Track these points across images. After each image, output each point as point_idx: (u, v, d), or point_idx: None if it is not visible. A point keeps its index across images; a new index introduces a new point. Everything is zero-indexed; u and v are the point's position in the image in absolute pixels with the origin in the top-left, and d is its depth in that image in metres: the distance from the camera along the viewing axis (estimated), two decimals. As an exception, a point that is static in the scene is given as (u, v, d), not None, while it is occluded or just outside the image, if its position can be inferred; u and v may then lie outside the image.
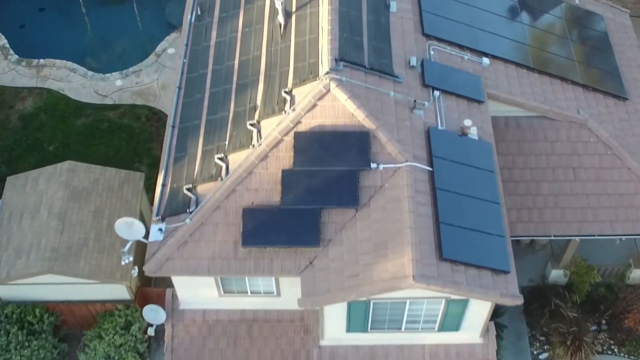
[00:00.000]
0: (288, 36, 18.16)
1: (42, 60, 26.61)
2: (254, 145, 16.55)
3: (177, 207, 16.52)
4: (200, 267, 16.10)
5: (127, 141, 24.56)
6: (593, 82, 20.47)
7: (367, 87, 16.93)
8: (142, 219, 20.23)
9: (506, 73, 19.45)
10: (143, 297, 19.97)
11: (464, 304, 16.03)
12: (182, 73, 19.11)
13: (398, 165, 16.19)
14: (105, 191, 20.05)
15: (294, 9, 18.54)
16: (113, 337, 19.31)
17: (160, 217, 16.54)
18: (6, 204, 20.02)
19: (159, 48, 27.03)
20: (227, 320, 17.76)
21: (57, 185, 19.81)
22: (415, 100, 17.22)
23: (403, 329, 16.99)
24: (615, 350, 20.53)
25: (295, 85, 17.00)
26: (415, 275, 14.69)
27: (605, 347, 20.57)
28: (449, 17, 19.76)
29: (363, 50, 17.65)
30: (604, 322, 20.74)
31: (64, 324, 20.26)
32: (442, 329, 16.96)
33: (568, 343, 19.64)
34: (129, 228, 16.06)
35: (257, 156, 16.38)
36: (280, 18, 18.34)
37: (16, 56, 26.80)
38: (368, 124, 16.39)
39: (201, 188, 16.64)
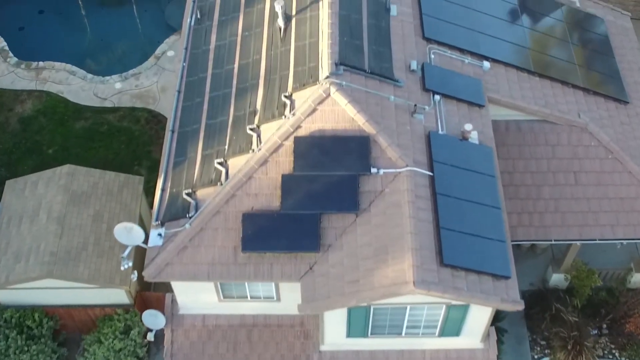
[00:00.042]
0: (288, 40, 18.09)
1: (41, 63, 26.55)
2: (253, 150, 16.48)
3: (176, 212, 16.45)
4: (200, 273, 16.03)
5: (127, 144, 24.50)
6: (594, 86, 20.41)
7: (367, 91, 16.87)
8: (141, 223, 20.18)
9: (507, 77, 19.39)
10: (142, 301, 19.91)
11: (465, 309, 15.96)
12: (182, 77, 19.03)
13: (398, 170, 16.13)
14: (105, 195, 19.99)
15: (293, 12, 18.47)
16: (112, 342, 19.26)
17: (159, 222, 16.47)
18: (5, 208, 19.95)
19: (158, 51, 26.98)
20: (226, 325, 17.70)
21: (56, 189, 19.75)
22: (415, 105, 17.16)
23: (403, 334, 16.93)
24: (617, 354, 20.47)
25: (295, 89, 16.94)
26: (416, 281, 14.62)
27: (606, 352, 20.51)
28: (449, 21, 19.69)
29: (363, 54, 17.58)
30: (604, 326, 20.69)
31: (63, 329, 20.22)
32: (442, 334, 16.90)
33: (569, 347, 19.58)
34: (128, 233, 15.98)
35: (257, 161, 16.32)
36: (280, 22, 18.26)
37: (15, 59, 26.76)
38: (368, 128, 16.33)
39: (201, 193, 16.57)
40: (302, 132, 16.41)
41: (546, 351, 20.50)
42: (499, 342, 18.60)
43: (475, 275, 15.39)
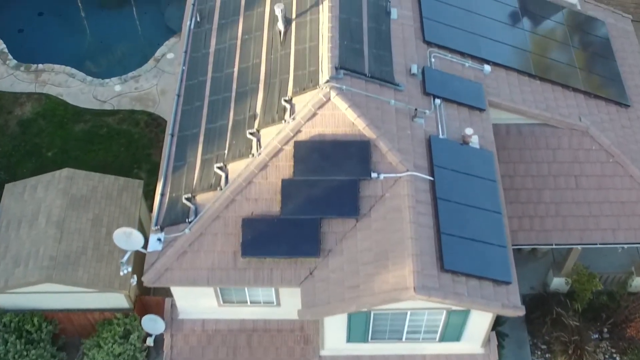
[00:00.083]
0: (288, 44, 18.02)
1: (40, 65, 26.48)
2: (253, 155, 16.42)
3: (176, 216, 16.40)
4: (200, 278, 15.97)
5: (126, 147, 24.44)
6: (595, 89, 20.35)
7: (367, 95, 16.81)
8: (140, 227, 20.13)
9: (508, 80, 19.33)
10: (142, 305, 19.85)
11: (465, 314, 15.90)
12: (181, 80, 18.98)
13: (399, 174, 16.07)
14: (104, 199, 19.92)
15: (293, 16, 18.40)
16: (112, 346, 19.19)
17: (159, 227, 16.41)
18: (4, 212, 19.89)
19: (158, 53, 26.90)
20: (226, 330, 17.64)
21: (55, 193, 19.68)
22: (416, 109, 17.09)
23: (404, 339, 16.86)
24: (617, 359, 20.40)
25: (295, 93, 16.87)
26: (417, 287, 14.56)
27: (607, 356, 20.45)
28: (450, 24, 19.63)
29: (363, 58, 17.51)
30: (605, 330, 20.62)
31: (63, 333, 20.15)
32: (443, 339, 16.83)
33: (570, 352, 19.53)
34: (128, 238, 15.93)
35: (257, 165, 16.25)
36: (280, 25, 18.20)
37: (15, 61, 26.69)
38: (368, 133, 16.26)
39: (200, 197, 16.51)
40: (302, 137, 16.35)
41: (547, 355, 20.42)
42: (500, 346, 18.54)
43: (476, 280, 15.33)
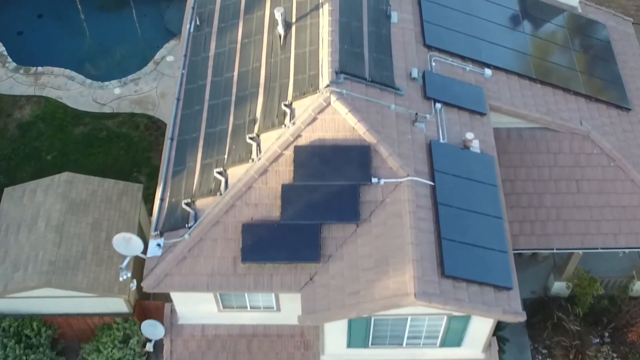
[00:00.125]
0: (288, 47, 17.95)
1: (40, 68, 26.44)
2: (253, 159, 16.35)
3: (175, 222, 16.32)
4: (199, 283, 15.91)
5: (126, 150, 24.38)
6: (596, 93, 20.28)
7: (367, 100, 16.74)
8: (140, 231, 20.08)
9: (508, 84, 19.27)
10: (142, 310, 19.80)
11: (466, 320, 15.84)
12: (181, 84, 18.89)
13: (399, 179, 16.00)
14: (104, 203, 19.86)
15: (293, 19, 18.33)
16: (111, 351, 19.14)
17: (158, 232, 16.34)
18: (3, 216, 19.83)
19: (157, 56, 26.85)
20: (226, 335, 17.56)
21: (54, 197, 19.62)
22: (416, 113, 17.03)
23: (404, 344, 16.80)
24: (618, 363, 20.39)
25: (295, 98, 16.80)
26: (417, 293, 14.49)
27: (608, 360, 20.44)
28: (450, 28, 19.56)
29: (364, 62, 17.45)
30: (606, 334, 20.56)
31: (62, 337, 20.11)
32: (443, 344, 16.77)
33: (571, 357, 19.51)
34: (127, 243, 15.85)
35: (257, 170, 16.18)
36: (280, 29, 18.12)
37: (14, 64, 26.65)
38: (369, 137, 16.19)
39: (200, 203, 16.44)
40: (302, 142, 16.28)
41: (548, 360, 20.42)
42: (501, 351, 18.48)
43: (476, 286, 15.27)
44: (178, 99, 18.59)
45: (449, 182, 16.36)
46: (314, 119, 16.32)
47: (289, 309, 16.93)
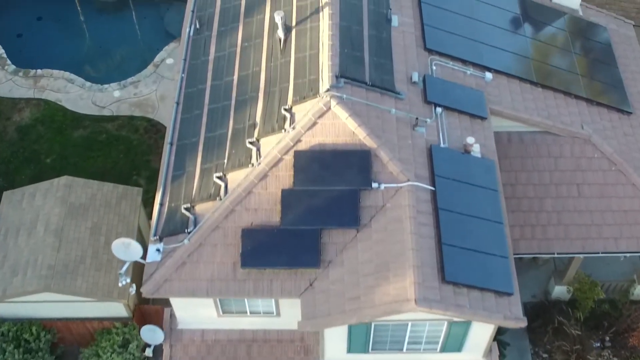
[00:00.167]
0: (288, 51, 17.89)
1: (39, 71, 26.35)
2: (253, 164, 16.28)
3: (175, 227, 16.26)
4: (199, 289, 15.84)
5: (125, 153, 24.31)
6: (597, 96, 20.22)
7: (368, 104, 16.67)
8: (140, 235, 20.01)
9: (509, 88, 19.20)
10: (141, 314, 19.71)
11: (467, 325, 15.77)
12: (181, 88, 18.83)
13: (400, 184, 15.94)
14: (103, 207, 19.78)
15: (294, 23, 18.27)
16: (110, 356, 19.04)
17: (158, 237, 16.27)
18: (2, 220, 19.75)
19: (157, 58, 26.77)
20: (225, 340, 17.51)
21: (53, 201, 19.55)
22: (417, 118, 16.96)
23: (405, 349, 16.74)
24: (620, 368, 20.32)
25: (295, 102, 16.74)
26: (418, 299, 14.44)
27: (609, 365, 20.35)
28: (451, 31, 19.50)
29: (364, 66, 17.38)
30: (607, 339, 20.49)
31: (61, 342, 20.03)
32: (444, 349, 16.71)
33: (572, 361, 19.44)
34: (126, 249, 15.79)
35: (257, 175, 16.12)
36: (280, 33, 18.06)
37: (13, 66, 26.55)
38: (369, 142, 16.13)
39: (199, 207, 16.38)
40: (302, 146, 16.22)
41: (549, 364, 20.35)
42: (501, 355, 18.43)
43: (477, 292, 15.21)
44: (177, 103, 18.53)
45: (450, 187, 16.30)
46: (314, 124, 16.26)
47: (288, 314, 16.88)
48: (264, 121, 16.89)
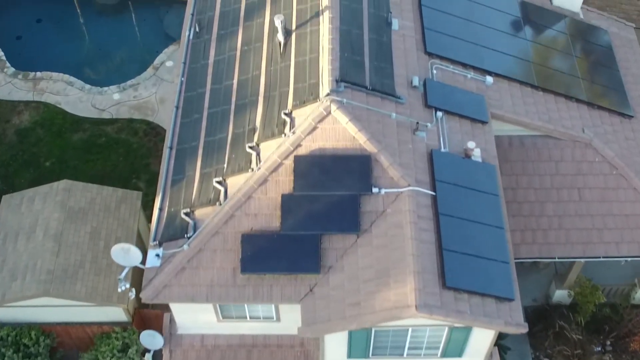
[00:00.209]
0: (288, 55, 17.81)
1: (38, 73, 26.30)
2: (253, 169, 16.21)
3: (174, 232, 16.19)
4: (198, 295, 15.77)
5: (125, 156, 24.25)
6: (598, 100, 20.15)
7: (368, 108, 16.60)
8: (139, 239, 19.96)
9: (510, 92, 19.13)
10: (141, 319, 19.67)
11: (468, 331, 15.69)
12: (180, 92, 18.74)
13: (400, 189, 15.86)
14: (102, 211, 19.73)
15: (294, 27, 18.19)
16: (110, 360, 19.04)
17: (157, 242, 16.20)
18: (1, 224, 19.71)
19: (157, 61, 26.71)
20: (225, 345, 17.44)
21: (53, 205, 19.49)
22: (417, 122, 16.89)
23: (405, 355, 16.63)
24: (621, 372, 20.26)
25: (295, 106, 16.66)
26: (418, 305, 14.36)
27: (610, 369, 20.29)
28: (452, 35, 19.43)
29: (364, 70, 17.31)
30: (608, 343, 20.43)
31: (60, 346, 19.99)
32: (445, 355, 16.60)
33: (573, 366, 19.39)
34: (126, 254, 15.71)
35: (256, 180, 16.04)
36: (280, 36, 17.98)
37: (13, 69, 26.52)
38: (369, 147, 16.05)
39: (199, 212, 16.30)
40: (302, 151, 16.14)
41: (549, 369, 20.29)
42: (502, 360, 18.40)
43: (478, 297, 15.13)
44: (177, 107, 18.44)
45: (451, 192, 16.22)
46: (314, 128, 16.18)
47: (288, 319, 16.81)
48: (263, 125, 16.83)
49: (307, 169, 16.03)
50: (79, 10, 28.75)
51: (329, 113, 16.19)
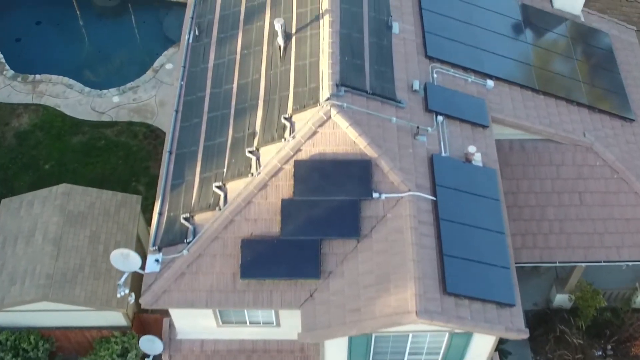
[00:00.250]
0: (288, 59, 17.74)
1: (38, 76, 26.25)
2: (252, 174, 16.14)
3: (174, 237, 16.11)
4: (198, 300, 15.70)
5: (124, 159, 24.18)
6: (599, 103, 20.09)
7: (368, 113, 16.53)
8: (138, 243, 19.90)
9: (511, 95, 19.06)
10: (140, 323, 19.61)
11: (468, 336, 15.62)
12: (180, 96, 18.67)
13: (400, 194, 15.79)
14: (102, 215, 19.67)
15: (294, 30, 18.12)
16: (109, 365, 18.98)
17: (157, 248, 16.13)
18: (0, 228, 19.64)
19: (156, 63, 26.64)
20: (225, 350, 17.37)
21: (52, 209, 19.43)
22: (418, 127, 16.82)
23: (405, 360, 16.64)
24: (622, 377, 20.21)
25: (295, 111, 16.59)
26: (419, 311, 14.29)
27: (611, 374, 20.25)
28: (452, 38, 19.35)
29: (365, 75, 17.24)
30: (609, 347, 20.37)
31: (60, 350, 19.94)
32: (445, 360, 16.60)
33: (573, 371, 19.33)
34: (125, 259, 15.64)
35: (256, 185, 15.97)
36: (280, 40, 17.90)
37: (12, 71, 26.46)
38: (370, 152, 15.99)
39: (199, 217, 16.23)
40: (302, 156, 16.07)
41: (550, 373, 20.22)
42: (503, 365, 18.35)
43: (479, 303, 15.07)
44: (177, 111, 18.36)
45: (451, 197, 16.16)
46: (314, 133, 16.11)
47: (288, 324, 16.75)
48: (263, 130, 16.76)
49: (307, 173, 15.97)
50: (78, 13, 28.68)
51: (329, 117, 16.12)
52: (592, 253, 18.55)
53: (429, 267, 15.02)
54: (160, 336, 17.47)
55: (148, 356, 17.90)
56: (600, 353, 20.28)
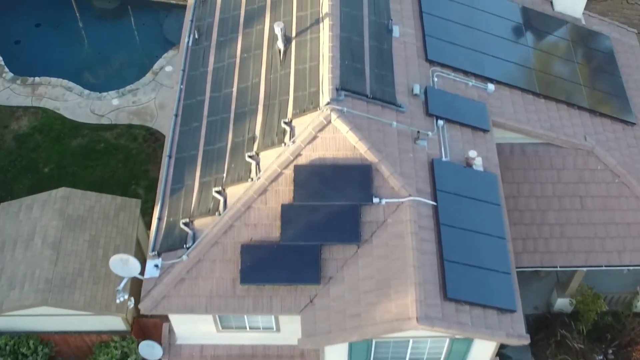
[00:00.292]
0: (288, 63, 17.68)
1: (37, 79, 26.17)
2: (252, 179, 16.07)
3: (173, 242, 16.05)
4: (198, 305, 15.64)
5: (124, 162, 24.11)
6: (600, 107, 20.02)
7: (369, 117, 16.46)
8: (138, 246, 19.82)
9: (512, 99, 19.00)
10: (140, 327, 19.54)
11: (469, 342, 15.57)
12: (179, 99, 18.60)
13: (401, 199, 15.73)
14: (101, 219, 19.58)
15: (293, 34, 18.06)
16: (109, 370, 18.91)
17: (156, 253, 16.07)
18: (-1, 232, 19.60)
19: (156, 66, 26.57)
20: (225, 355, 17.30)
21: (51, 213, 19.35)
22: (418, 131, 16.76)
23: (406, 366, 16.56)
24: (623, 381, 20.14)
25: (295, 115, 16.53)
26: (419, 317, 14.24)
27: (612, 378, 20.18)
28: (453, 42, 19.29)
29: (365, 79, 17.18)
30: (610, 352, 20.30)
31: (59, 355, 19.87)
32: (446, 365, 16.53)
33: (574, 375, 19.26)
34: (124, 265, 15.55)
35: (256, 190, 15.91)
36: (280, 44, 17.84)
37: (11, 74, 26.38)
38: (370, 157, 15.92)
39: (198, 222, 16.17)
40: (302, 161, 16.00)
41: (551, 378, 20.15)
42: (504, 370, 18.29)
43: (480, 309, 15.02)
44: (176, 115, 18.30)
45: (452, 202, 16.09)
46: (315, 138, 16.05)
47: (288, 330, 16.68)
48: (263, 134, 16.69)
49: (307, 178, 15.91)
50: (77, 15, 28.60)
51: (329, 122, 16.06)
52: (593, 257, 18.49)
53: (429, 272, 14.96)
54: (159, 341, 17.41)
55: (147, 361, 17.86)
56: (602, 357, 20.20)
